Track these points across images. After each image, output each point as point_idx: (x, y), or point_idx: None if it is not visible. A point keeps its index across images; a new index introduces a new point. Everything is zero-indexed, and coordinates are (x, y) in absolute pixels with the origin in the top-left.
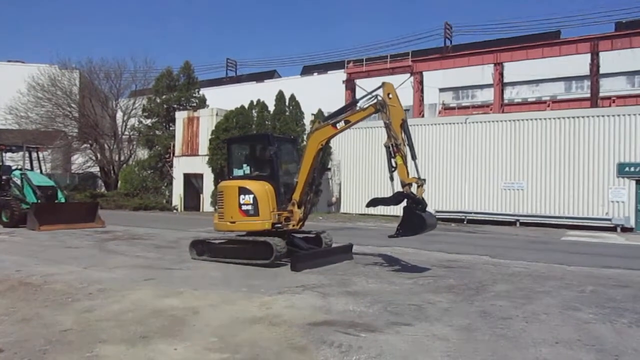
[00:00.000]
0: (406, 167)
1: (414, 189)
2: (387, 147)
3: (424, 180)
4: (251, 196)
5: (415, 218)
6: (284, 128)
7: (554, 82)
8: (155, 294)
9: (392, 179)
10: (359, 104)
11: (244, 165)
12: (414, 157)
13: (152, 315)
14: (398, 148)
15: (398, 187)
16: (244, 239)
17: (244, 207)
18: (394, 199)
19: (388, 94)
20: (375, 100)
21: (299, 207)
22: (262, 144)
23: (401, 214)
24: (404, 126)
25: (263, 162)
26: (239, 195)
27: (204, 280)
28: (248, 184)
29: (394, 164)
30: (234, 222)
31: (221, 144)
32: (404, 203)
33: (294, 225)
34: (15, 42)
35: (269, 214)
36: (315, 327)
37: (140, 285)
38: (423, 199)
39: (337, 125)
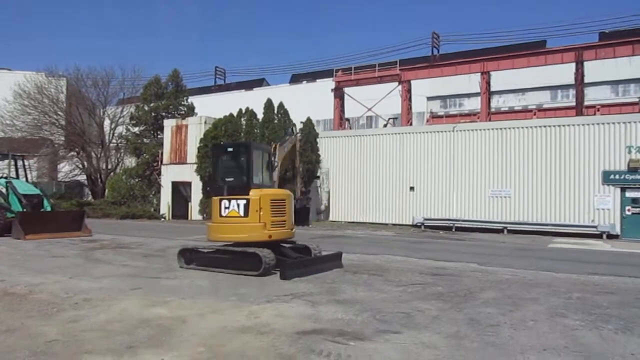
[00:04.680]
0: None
1: None
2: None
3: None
4: (284, 205)
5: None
6: (272, 136)
7: (539, 90)
8: (142, 303)
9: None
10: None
11: (262, 174)
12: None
13: (139, 325)
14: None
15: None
16: (233, 249)
17: (279, 217)
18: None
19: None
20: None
21: None
22: (269, 154)
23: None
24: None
25: (269, 172)
26: (283, 204)
27: (192, 289)
28: (280, 193)
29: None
30: (270, 231)
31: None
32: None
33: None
34: (1, 50)
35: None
36: (304, 335)
37: (127, 294)
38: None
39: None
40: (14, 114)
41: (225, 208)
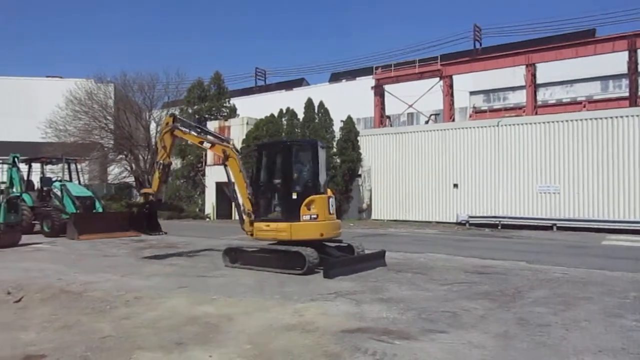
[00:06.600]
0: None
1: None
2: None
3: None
4: None
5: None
6: (313, 135)
7: (589, 81)
8: (189, 301)
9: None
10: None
11: None
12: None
13: (187, 322)
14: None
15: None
16: (277, 248)
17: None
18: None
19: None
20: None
21: None
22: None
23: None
24: None
25: None
26: None
27: (238, 288)
28: None
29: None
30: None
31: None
32: None
33: None
34: (53, 59)
35: None
36: (349, 334)
37: (175, 292)
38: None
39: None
40: (67, 120)
41: (332, 206)
